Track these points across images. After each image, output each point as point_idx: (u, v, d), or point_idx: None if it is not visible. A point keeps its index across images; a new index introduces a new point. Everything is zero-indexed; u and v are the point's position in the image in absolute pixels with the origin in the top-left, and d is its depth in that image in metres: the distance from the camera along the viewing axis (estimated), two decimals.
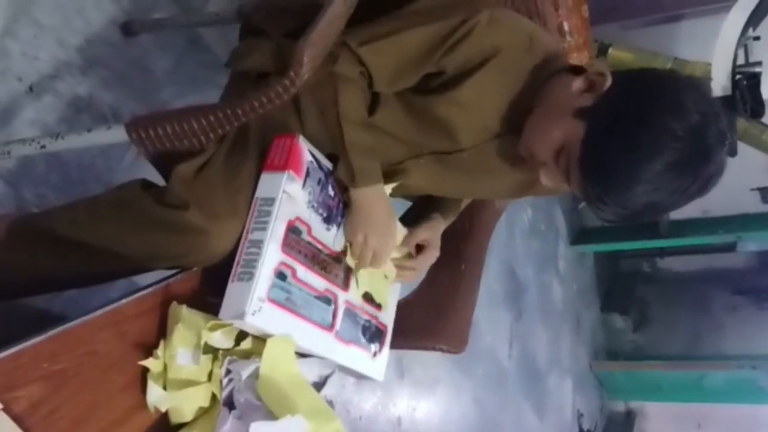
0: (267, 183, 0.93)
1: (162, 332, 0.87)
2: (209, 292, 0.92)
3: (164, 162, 0.99)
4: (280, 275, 0.90)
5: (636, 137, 0.90)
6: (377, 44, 1.01)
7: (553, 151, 0.98)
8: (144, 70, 1.57)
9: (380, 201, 1.06)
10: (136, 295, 0.85)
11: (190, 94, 1.66)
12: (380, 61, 1.02)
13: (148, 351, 0.84)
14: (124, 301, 0.83)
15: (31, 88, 1.31)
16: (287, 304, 0.90)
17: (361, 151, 1.02)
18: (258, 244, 0.88)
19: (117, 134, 1.01)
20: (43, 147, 1.06)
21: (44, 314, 1.23)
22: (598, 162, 0.93)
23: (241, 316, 0.84)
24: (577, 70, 1.05)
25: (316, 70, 0.98)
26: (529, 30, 1.06)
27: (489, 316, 3.00)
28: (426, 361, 2.46)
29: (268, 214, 0.90)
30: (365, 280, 1.09)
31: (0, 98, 1.25)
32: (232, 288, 0.86)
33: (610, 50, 3.19)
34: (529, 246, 3.63)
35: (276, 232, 0.90)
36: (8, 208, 1.23)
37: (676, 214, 4.49)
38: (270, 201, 0.91)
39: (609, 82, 0.96)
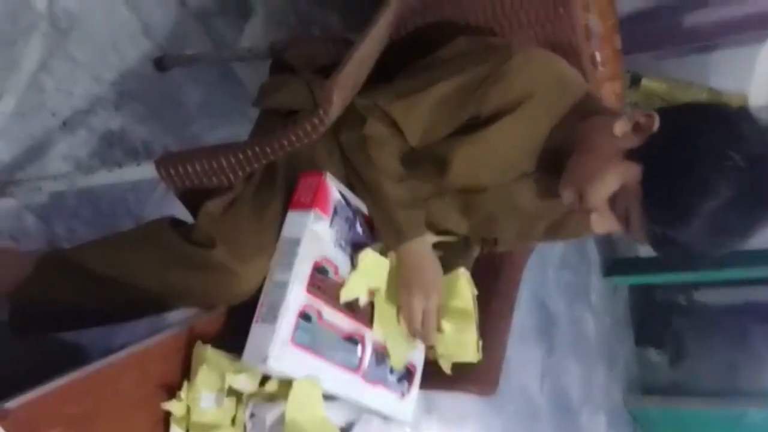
0: (293, 222, 0.92)
1: (186, 372, 0.86)
2: (235, 330, 0.91)
3: (193, 199, 0.99)
4: (305, 317, 0.88)
5: (699, 172, 0.87)
6: (408, 101, 1.00)
7: (608, 197, 0.95)
8: (176, 104, 1.59)
9: (428, 254, 1.04)
10: (161, 335, 0.85)
11: (222, 127, 1.68)
12: (412, 118, 1.01)
13: (172, 392, 0.83)
14: (148, 341, 0.83)
15: (64, 123, 1.32)
16: (312, 347, 0.89)
17: (402, 205, 1.01)
18: (282, 285, 0.87)
19: (147, 171, 1.01)
20: (73, 183, 1.07)
21: (71, 347, 1.23)
22: (663, 203, 0.89)
23: (263, 360, 0.82)
24: (612, 113, 1.03)
25: (346, 127, 0.99)
26: (562, 72, 1.04)
27: (520, 351, 2.94)
28: (455, 396, 2.41)
29: (294, 254, 0.89)
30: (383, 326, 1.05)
31: (34, 133, 1.27)
32: (256, 330, 0.85)
33: (643, 81, 3.16)
34: (561, 278, 3.56)
35: (301, 273, 0.88)
36: (40, 242, 1.24)
37: None
38: (296, 241, 0.90)
39: (658, 122, 0.93)
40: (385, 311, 1.03)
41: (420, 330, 1.04)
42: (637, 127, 0.95)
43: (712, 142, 0.88)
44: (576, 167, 0.99)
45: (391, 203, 1.00)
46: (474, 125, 1.01)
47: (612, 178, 0.94)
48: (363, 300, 0.99)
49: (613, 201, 0.95)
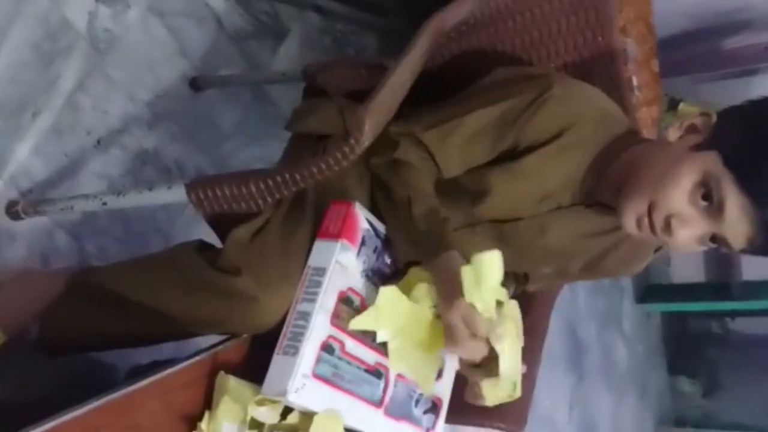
0: (320, 251, 0.91)
1: (208, 402, 0.84)
2: (259, 359, 0.90)
3: (221, 223, 0.98)
4: (328, 349, 0.86)
5: None
6: (443, 129, 0.97)
7: (688, 191, 0.87)
8: (210, 124, 1.60)
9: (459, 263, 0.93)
10: (184, 363, 0.83)
11: (255, 148, 1.69)
12: (446, 147, 0.98)
13: (193, 423, 0.81)
14: (170, 370, 0.81)
15: (99, 142, 1.34)
16: (333, 380, 0.87)
17: (430, 219, 0.95)
18: (306, 316, 0.85)
19: (177, 194, 1.01)
20: (104, 204, 1.07)
21: (98, 366, 1.24)
22: (761, 174, 0.82)
23: (283, 393, 0.80)
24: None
25: (378, 152, 0.96)
26: (602, 104, 1.02)
27: (548, 379, 2.88)
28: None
29: (319, 284, 0.87)
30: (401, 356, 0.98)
31: (69, 151, 1.29)
32: (277, 362, 0.83)
33: (681, 105, 3.10)
34: (592, 304, 3.50)
35: (325, 304, 0.87)
36: (71, 260, 1.26)
37: (750, 275, 4.27)
38: (321, 271, 0.88)
39: (715, 116, 0.89)
40: (400, 345, 0.97)
41: (477, 335, 0.89)
42: (692, 129, 0.92)
43: None
44: (639, 183, 0.91)
45: (418, 221, 0.94)
46: (510, 155, 0.99)
47: (688, 171, 0.87)
48: (381, 336, 0.95)
49: (695, 198, 0.87)
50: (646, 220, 0.90)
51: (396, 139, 0.99)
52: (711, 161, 0.86)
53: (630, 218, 0.92)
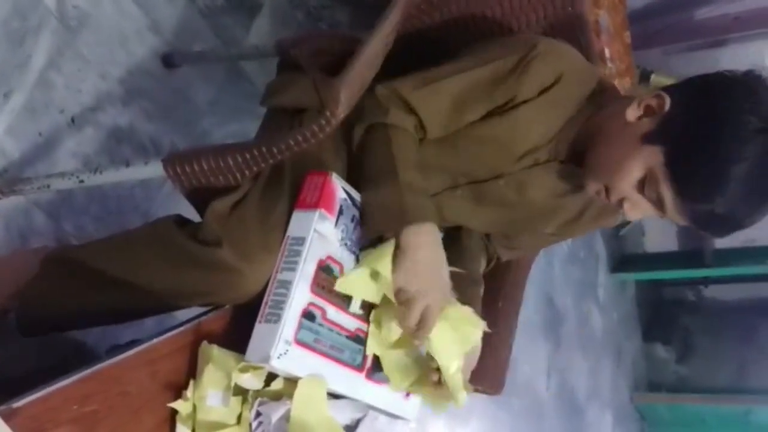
0: (298, 221, 0.93)
1: (192, 371, 0.86)
2: (241, 328, 0.92)
3: (200, 198, 0.99)
4: (309, 316, 0.88)
5: (721, 140, 0.88)
6: (431, 87, 1.00)
7: (634, 184, 0.96)
8: (185, 101, 1.59)
9: (434, 244, 0.94)
10: (169, 333, 0.85)
11: (231, 125, 1.68)
12: (433, 105, 1.01)
13: (178, 391, 0.83)
14: (156, 340, 0.83)
15: (72, 120, 1.33)
16: (315, 346, 0.89)
17: (414, 190, 0.95)
18: (286, 284, 0.87)
19: (154, 170, 1.02)
20: (81, 181, 1.07)
21: (79, 346, 1.24)
22: (693, 178, 0.90)
23: (266, 359, 0.82)
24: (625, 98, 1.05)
25: (361, 119, 0.99)
26: (582, 60, 1.07)
27: (526, 347, 2.94)
28: None
29: (298, 253, 0.89)
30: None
31: (42, 130, 1.28)
32: (259, 329, 0.85)
33: (653, 76, 3.14)
34: (568, 274, 3.56)
35: (305, 272, 0.88)
36: (48, 239, 1.25)
37: (721, 243, 4.37)
38: (300, 240, 0.90)
39: (668, 102, 0.94)
40: (383, 330, 0.99)
41: (413, 330, 0.93)
42: (648, 110, 0.97)
43: (727, 108, 0.89)
44: (597, 161, 1.01)
45: (403, 187, 0.93)
46: (491, 114, 1.02)
47: (634, 166, 0.95)
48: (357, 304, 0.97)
49: (642, 187, 0.96)
50: (604, 195, 1.02)
51: (383, 102, 1.00)
52: (654, 159, 0.93)
53: (591, 190, 1.04)
